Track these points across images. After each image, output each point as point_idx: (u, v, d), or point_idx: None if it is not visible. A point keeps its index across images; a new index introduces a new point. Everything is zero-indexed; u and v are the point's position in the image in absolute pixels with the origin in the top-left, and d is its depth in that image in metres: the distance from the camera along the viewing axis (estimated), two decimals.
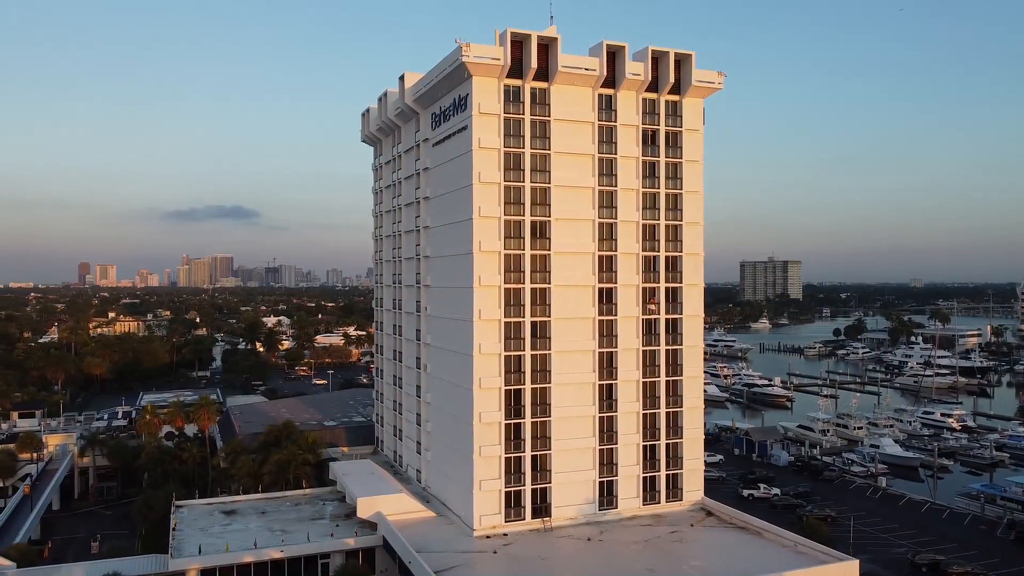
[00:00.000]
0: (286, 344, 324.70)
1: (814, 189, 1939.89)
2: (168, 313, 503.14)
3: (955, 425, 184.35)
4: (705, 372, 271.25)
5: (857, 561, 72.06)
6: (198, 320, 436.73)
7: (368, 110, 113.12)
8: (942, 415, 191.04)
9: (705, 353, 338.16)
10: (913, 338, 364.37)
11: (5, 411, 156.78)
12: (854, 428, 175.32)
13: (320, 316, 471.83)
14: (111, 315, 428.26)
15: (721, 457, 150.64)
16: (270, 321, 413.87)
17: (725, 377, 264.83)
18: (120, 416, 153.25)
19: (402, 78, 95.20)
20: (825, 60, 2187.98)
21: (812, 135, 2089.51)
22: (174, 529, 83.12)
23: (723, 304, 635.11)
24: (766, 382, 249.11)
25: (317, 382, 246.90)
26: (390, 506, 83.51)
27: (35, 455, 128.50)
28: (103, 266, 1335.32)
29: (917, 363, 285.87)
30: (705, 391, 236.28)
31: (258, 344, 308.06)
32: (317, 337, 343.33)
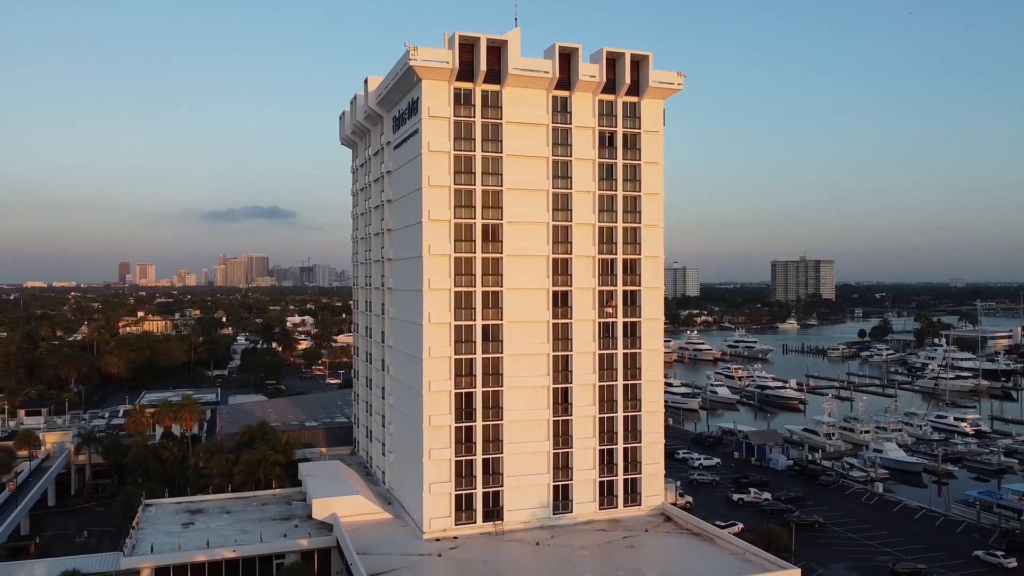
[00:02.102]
0: (304, 344, 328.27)
1: (848, 187, 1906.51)
2: (198, 312, 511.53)
3: (968, 429, 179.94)
4: (718, 373, 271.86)
5: (798, 570, 70.87)
6: (224, 319, 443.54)
7: (344, 113, 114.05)
8: (955, 419, 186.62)
9: (725, 354, 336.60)
10: (937, 340, 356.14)
11: (12, 408, 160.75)
12: (860, 432, 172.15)
13: (345, 316, 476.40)
14: (140, 314, 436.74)
15: (719, 460, 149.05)
16: (294, 320, 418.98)
17: (739, 379, 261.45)
18: (121, 415, 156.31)
19: (367, 81, 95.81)
20: (858, 56, 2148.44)
21: (846, 132, 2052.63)
22: (134, 527, 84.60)
23: (752, 304, 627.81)
24: (779, 384, 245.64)
25: (330, 381, 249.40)
26: (346, 507, 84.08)
27: (32, 452, 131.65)
28: (142, 266, 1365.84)
29: (938, 365, 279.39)
30: (716, 392, 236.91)
31: (274, 343, 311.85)
32: (338, 337, 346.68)
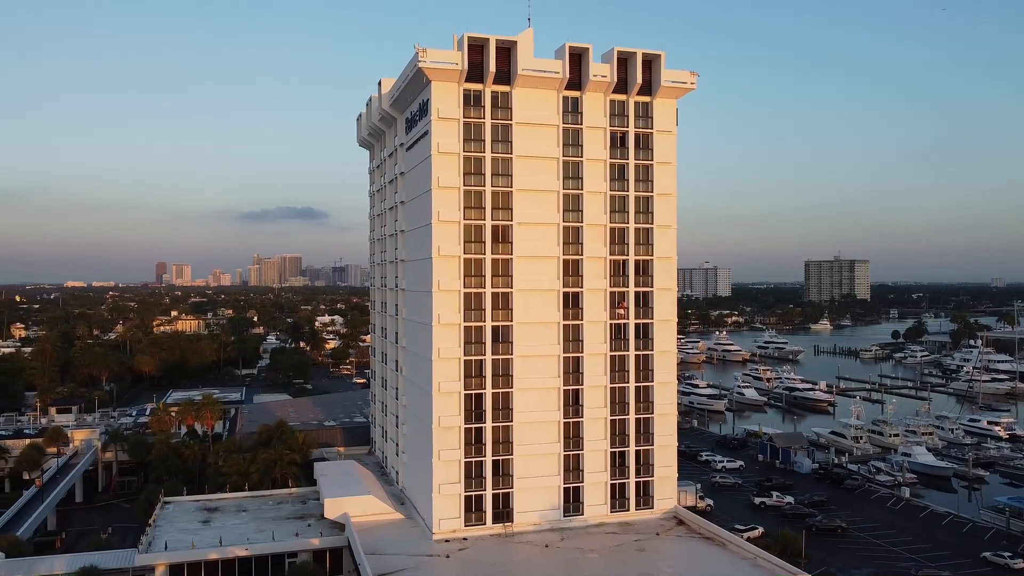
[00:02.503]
0: (332, 344, 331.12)
1: (883, 186, 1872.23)
2: (231, 312, 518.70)
3: (1002, 433, 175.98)
4: (746, 375, 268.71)
5: None
6: (255, 319, 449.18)
7: (361, 115, 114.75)
8: (988, 423, 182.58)
9: (754, 355, 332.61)
10: (973, 341, 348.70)
11: (44, 406, 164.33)
12: (889, 435, 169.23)
13: None
14: (174, 314, 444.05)
15: (742, 463, 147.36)
16: (324, 320, 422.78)
17: (767, 380, 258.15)
18: (147, 413, 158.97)
19: (380, 83, 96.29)
20: (892, 54, 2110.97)
21: (880, 131, 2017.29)
22: (150, 525, 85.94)
23: (784, 304, 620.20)
24: (808, 386, 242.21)
25: (357, 381, 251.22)
26: (357, 507, 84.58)
27: (60, 449, 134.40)
28: (179, 266, 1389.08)
29: (973, 367, 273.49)
30: (743, 394, 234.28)
31: (302, 343, 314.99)
32: (366, 336, 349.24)
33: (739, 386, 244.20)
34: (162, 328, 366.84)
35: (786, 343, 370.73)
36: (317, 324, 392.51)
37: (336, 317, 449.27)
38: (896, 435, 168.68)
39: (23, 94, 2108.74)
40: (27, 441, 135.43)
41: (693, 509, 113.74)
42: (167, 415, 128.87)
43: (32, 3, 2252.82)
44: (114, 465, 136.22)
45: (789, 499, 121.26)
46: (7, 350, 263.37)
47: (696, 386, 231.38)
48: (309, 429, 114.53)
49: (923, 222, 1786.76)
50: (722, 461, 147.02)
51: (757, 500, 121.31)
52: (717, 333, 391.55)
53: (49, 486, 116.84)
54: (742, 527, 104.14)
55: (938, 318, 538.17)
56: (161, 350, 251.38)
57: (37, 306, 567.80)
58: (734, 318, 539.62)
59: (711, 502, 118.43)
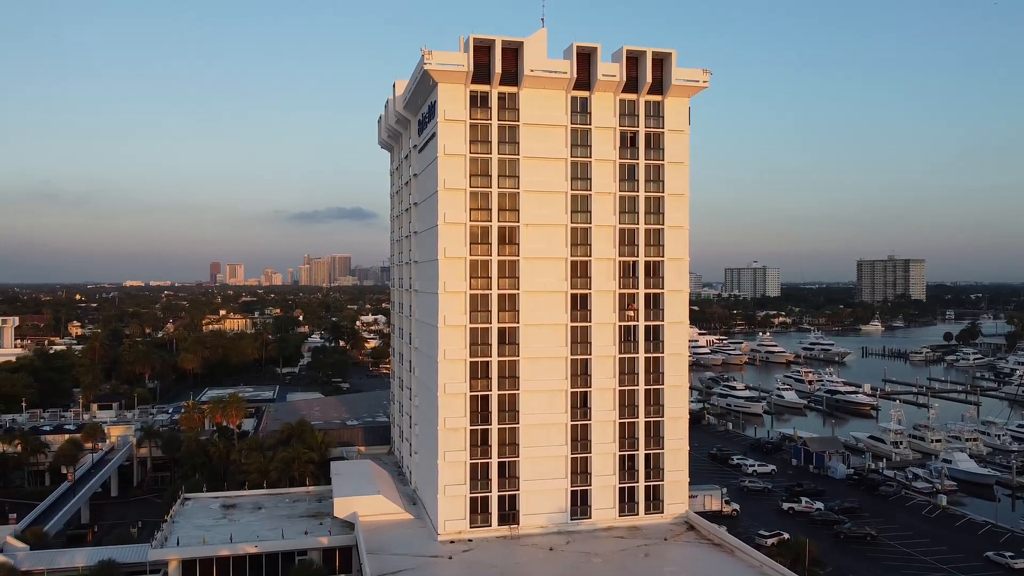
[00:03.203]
0: (373, 343, 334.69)
1: (940, 185, 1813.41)
2: (278, 311, 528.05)
3: None
4: (787, 377, 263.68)
5: None
6: (301, 318, 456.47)
7: (380, 116, 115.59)
8: None
9: (799, 357, 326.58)
10: None
11: (87, 403, 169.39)
12: (931, 440, 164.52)
13: None
14: (222, 313, 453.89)
15: (774, 468, 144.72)
16: (367, 319, 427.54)
17: (809, 383, 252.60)
18: (184, 410, 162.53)
19: (395, 86, 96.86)
20: (947, 52, 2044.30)
21: (936, 129, 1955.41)
22: (166, 520, 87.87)
23: (834, 305, 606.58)
24: (850, 389, 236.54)
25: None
26: (367, 507, 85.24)
27: (96, 445, 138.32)
28: (232, 266, 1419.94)
29: None
30: (782, 397, 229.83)
31: (342, 342, 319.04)
32: None
33: (779, 388, 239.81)
34: (210, 327, 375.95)
35: (832, 344, 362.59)
36: (359, 323, 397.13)
37: (379, 316, 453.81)
38: (938, 440, 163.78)
39: (88, 100, 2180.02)
40: (66, 436, 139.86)
41: (718, 514, 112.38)
42: (197, 413, 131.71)
43: (93, 10, 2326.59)
44: (148, 461, 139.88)
45: (819, 505, 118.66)
46: (59, 348, 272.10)
47: (734, 388, 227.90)
48: (331, 428, 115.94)
49: (985, 220, 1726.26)
50: (753, 465, 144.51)
51: (785, 506, 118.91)
52: (760, 334, 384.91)
53: (82, 481, 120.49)
54: (766, 533, 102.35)
55: (996, 319, 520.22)
56: (204, 348, 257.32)
57: (95, 305, 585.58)
58: (781, 319, 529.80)
59: (737, 507, 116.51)
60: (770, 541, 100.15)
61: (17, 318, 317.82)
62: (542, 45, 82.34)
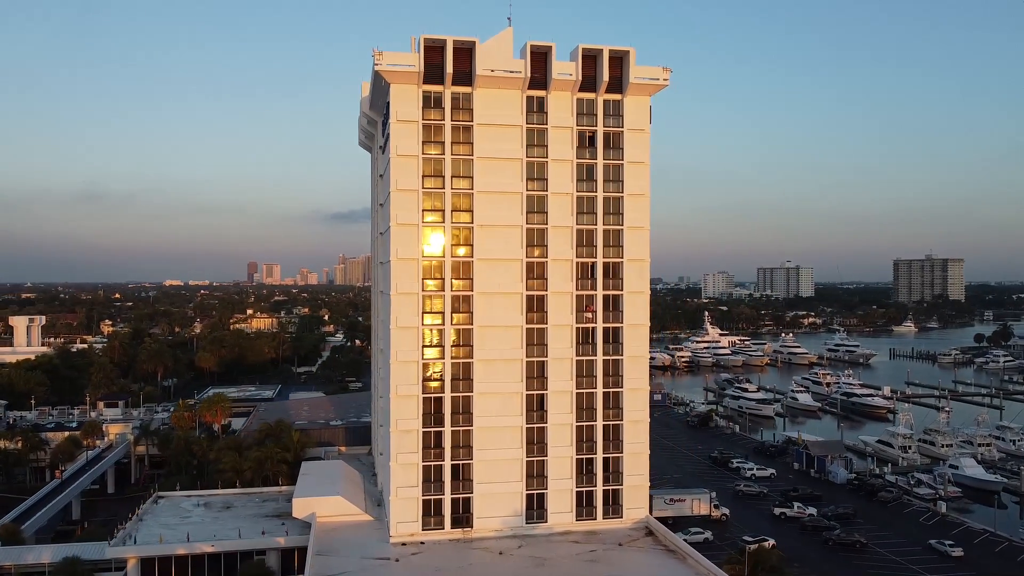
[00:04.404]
0: None
1: (981, 183, 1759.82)
2: (306, 310, 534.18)
3: None
4: (805, 379, 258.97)
5: None
6: (327, 317, 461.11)
7: (359, 117, 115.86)
8: None
9: (822, 358, 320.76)
10: None
11: (93, 401, 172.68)
12: (941, 445, 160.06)
13: None
14: (249, 312, 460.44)
15: (773, 471, 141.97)
16: None
17: (827, 385, 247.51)
18: (175, 409, 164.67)
19: (363, 87, 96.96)
20: (985, 48, 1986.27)
21: (976, 126, 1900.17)
22: (131, 518, 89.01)
23: (868, 306, 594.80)
24: (867, 391, 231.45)
25: None
26: (325, 508, 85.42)
27: (92, 442, 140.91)
28: (269, 265, 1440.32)
29: None
30: (796, 399, 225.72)
31: (358, 341, 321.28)
32: None
33: (793, 391, 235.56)
34: (237, 326, 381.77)
35: (857, 346, 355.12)
36: None
37: None
38: (949, 445, 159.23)
39: (133, 102, 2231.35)
40: (66, 434, 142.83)
41: (707, 518, 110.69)
42: (187, 412, 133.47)
43: (134, 15, 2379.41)
44: (146, 459, 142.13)
45: (812, 511, 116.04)
46: (82, 346, 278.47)
47: (745, 390, 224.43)
48: (313, 428, 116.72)
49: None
50: (752, 469, 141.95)
51: (777, 511, 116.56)
52: (783, 335, 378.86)
53: (72, 478, 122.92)
54: (750, 539, 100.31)
55: None
56: (222, 348, 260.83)
57: (130, 304, 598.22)
58: (811, 319, 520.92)
59: (727, 511, 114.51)
60: (753, 547, 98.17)
61: (44, 317, 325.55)
62: (507, 45, 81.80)
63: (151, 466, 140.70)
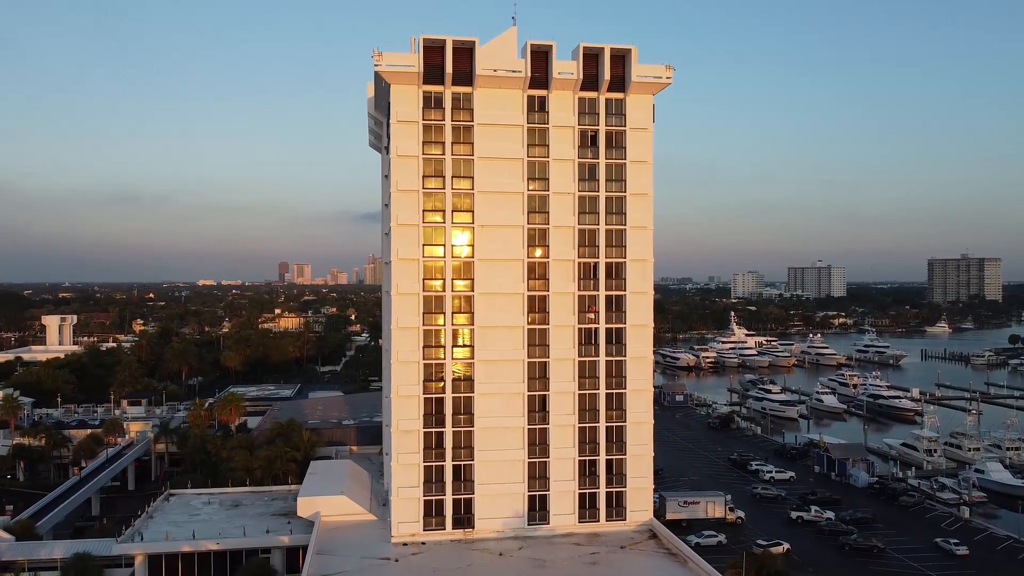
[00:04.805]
0: None
1: (1018, 180, 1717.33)
2: (334, 310, 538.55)
3: None
4: (831, 380, 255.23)
5: None
6: (353, 317, 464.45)
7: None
8: None
9: (851, 359, 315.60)
10: None
11: (117, 399, 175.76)
12: (968, 449, 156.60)
13: None
14: (276, 312, 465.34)
15: (793, 474, 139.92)
16: None
17: (853, 387, 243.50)
18: (192, 408, 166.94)
19: (367, 87, 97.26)
20: (1017, 40, 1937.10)
21: (1012, 119, 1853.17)
22: (141, 515, 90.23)
23: (901, 306, 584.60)
24: (894, 393, 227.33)
25: None
26: (329, 507, 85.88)
27: (116, 440, 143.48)
28: (299, 265, 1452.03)
29: None
30: (821, 401, 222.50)
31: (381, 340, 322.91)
32: None
33: (818, 392, 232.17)
34: (264, 325, 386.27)
35: (887, 347, 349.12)
36: None
37: None
38: (976, 449, 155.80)
39: (167, 105, 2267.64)
40: (88, 431, 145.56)
41: (721, 521, 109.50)
42: (203, 410, 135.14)
43: (173, 19, 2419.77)
44: (165, 456, 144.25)
45: (829, 514, 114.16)
46: (111, 345, 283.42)
47: (769, 391, 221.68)
48: (325, 428, 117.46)
49: None
50: (771, 471, 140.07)
51: (794, 514, 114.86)
52: (811, 336, 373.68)
53: (93, 474, 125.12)
54: (764, 542, 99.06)
55: None
56: (247, 347, 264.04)
57: (162, 304, 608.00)
58: (841, 319, 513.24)
59: (742, 514, 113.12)
60: (759, 551, 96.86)
61: (76, 316, 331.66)
62: (511, 44, 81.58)
63: (170, 464, 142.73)
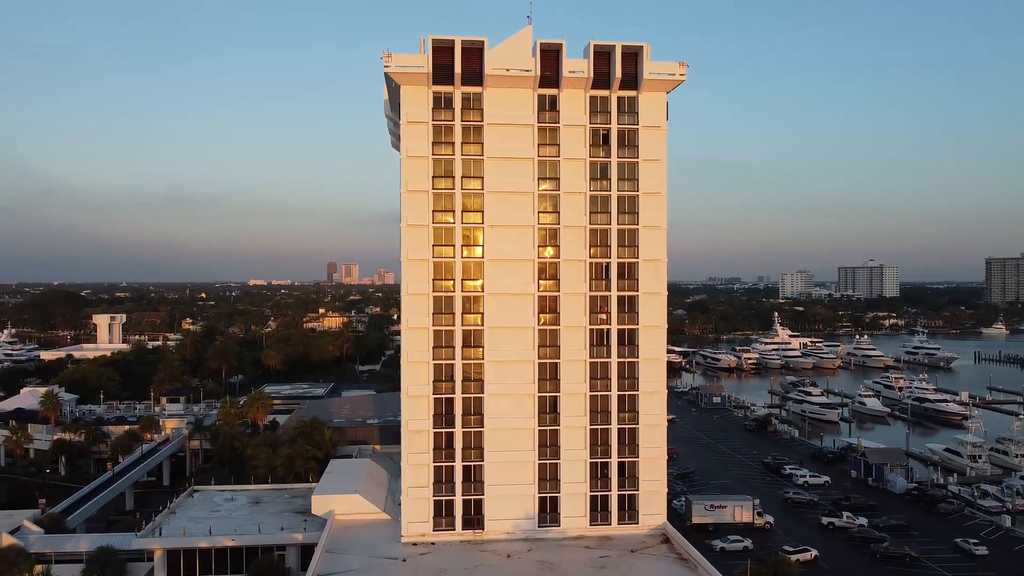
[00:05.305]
0: None
1: None
2: (378, 309, 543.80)
3: None
4: (876, 383, 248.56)
5: None
6: (395, 317, 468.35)
7: None
8: None
9: (899, 361, 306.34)
10: None
11: (157, 396, 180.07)
12: (1015, 455, 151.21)
13: None
14: (320, 311, 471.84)
15: (828, 479, 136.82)
16: None
17: (899, 390, 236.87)
18: (223, 406, 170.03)
19: (383, 89, 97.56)
20: None
21: None
22: (162, 510, 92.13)
23: (955, 306, 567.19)
24: (941, 397, 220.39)
25: None
26: (343, 505, 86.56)
27: (152, 436, 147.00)
28: (347, 265, 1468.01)
29: None
30: (864, 404, 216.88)
31: None
32: None
33: (861, 395, 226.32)
34: (310, 324, 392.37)
35: (938, 348, 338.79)
36: None
37: None
38: (1023, 455, 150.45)
39: (216, 108, 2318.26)
40: (125, 428, 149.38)
41: (749, 526, 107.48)
42: (233, 409, 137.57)
43: (221, 24, 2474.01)
44: (200, 453, 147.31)
45: (862, 521, 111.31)
46: (157, 344, 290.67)
47: (809, 394, 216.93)
48: (349, 426, 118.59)
49: None
50: (805, 476, 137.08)
51: (825, 520, 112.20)
52: (857, 337, 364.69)
53: (127, 469, 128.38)
54: (791, 548, 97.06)
55: None
56: (287, 346, 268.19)
57: (212, 303, 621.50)
58: (892, 320, 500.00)
59: (771, 519, 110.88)
60: (794, 558, 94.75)
61: (125, 316, 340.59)
62: (527, 43, 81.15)
63: (204, 460, 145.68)
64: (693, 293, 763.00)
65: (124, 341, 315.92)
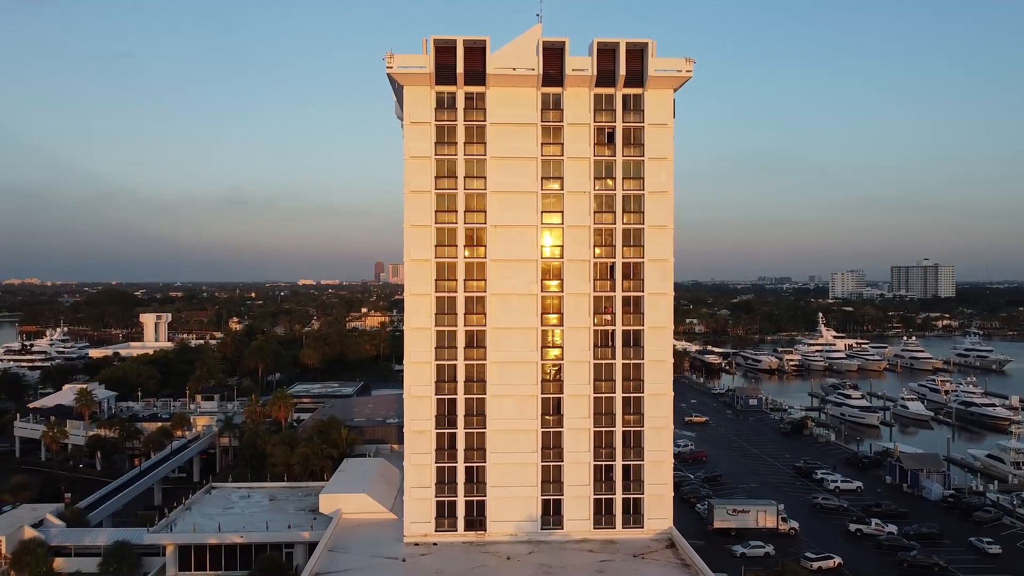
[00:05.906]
0: None
1: None
2: None
3: None
4: (921, 385, 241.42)
5: None
6: None
7: None
8: None
9: (949, 363, 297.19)
10: None
11: (193, 393, 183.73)
12: None
13: None
14: (363, 311, 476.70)
15: (860, 485, 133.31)
16: None
17: (945, 393, 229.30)
18: (249, 404, 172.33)
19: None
20: None
21: None
22: (174, 507, 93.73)
23: (1015, 307, 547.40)
24: (988, 401, 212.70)
25: None
26: (350, 504, 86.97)
27: (184, 433, 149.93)
28: (394, 265, 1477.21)
29: None
30: (906, 407, 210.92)
31: None
32: None
33: (904, 398, 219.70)
34: (353, 324, 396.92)
35: (990, 351, 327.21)
36: None
37: None
38: None
39: (272, 111, 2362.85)
40: (158, 425, 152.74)
41: (773, 531, 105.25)
42: (258, 407, 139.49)
43: (274, 29, 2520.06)
44: (229, 450, 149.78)
45: (891, 528, 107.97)
46: (200, 342, 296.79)
47: (848, 396, 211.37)
48: (369, 426, 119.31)
49: None
50: (836, 481, 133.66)
51: (853, 527, 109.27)
52: (905, 338, 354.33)
53: (155, 465, 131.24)
54: (813, 555, 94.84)
55: None
56: (325, 345, 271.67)
57: (260, 302, 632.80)
58: (945, 321, 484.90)
59: (796, 525, 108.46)
60: (816, 565, 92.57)
61: (170, 315, 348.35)
62: (535, 42, 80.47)
63: (232, 457, 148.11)
64: (740, 293, 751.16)
65: (170, 339, 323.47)
